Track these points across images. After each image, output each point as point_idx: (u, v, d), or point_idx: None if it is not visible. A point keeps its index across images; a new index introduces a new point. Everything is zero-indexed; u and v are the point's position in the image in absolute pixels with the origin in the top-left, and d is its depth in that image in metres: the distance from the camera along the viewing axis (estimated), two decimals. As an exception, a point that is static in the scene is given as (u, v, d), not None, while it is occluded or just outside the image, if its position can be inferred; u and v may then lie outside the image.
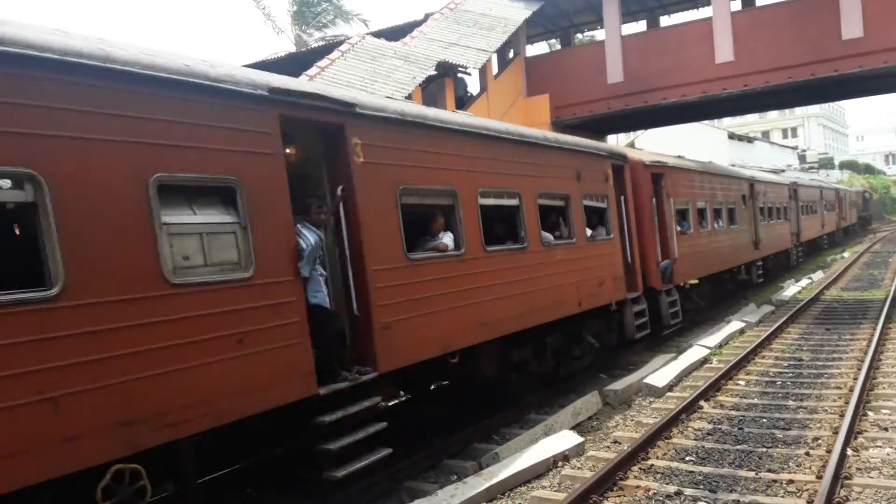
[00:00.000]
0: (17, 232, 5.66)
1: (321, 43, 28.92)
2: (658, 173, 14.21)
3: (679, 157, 16.71)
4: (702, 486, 6.71)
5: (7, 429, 4.08)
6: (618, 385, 10.77)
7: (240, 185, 5.56)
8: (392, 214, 7.17)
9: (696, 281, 16.21)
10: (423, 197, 7.79)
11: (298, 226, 6.28)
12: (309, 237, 6.29)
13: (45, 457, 4.24)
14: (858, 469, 6.89)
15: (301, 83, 6.95)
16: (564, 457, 7.81)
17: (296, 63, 18.44)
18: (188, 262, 5.21)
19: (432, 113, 8.38)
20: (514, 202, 9.29)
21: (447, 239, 8.06)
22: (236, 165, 5.56)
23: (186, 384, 5.05)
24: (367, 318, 6.77)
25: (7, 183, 4.38)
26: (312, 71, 14.95)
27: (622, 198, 12.55)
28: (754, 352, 12.44)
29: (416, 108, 8.31)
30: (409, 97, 14.72)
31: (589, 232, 11.34)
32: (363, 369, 6.69)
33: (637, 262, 12.92)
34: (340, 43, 18.27)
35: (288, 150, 6.32)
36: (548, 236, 10.13)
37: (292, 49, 30.72)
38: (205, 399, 5.18)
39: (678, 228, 14.83)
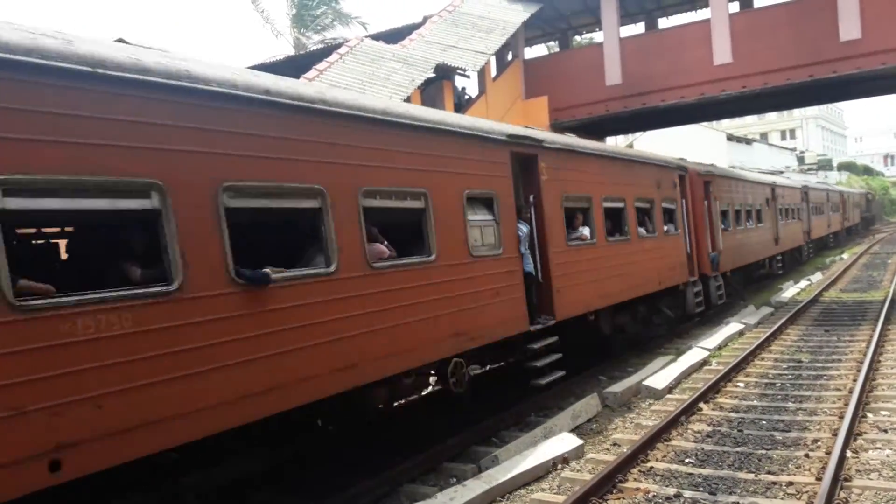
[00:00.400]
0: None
1: (320, 46, 28.93)
2: (708, 181, 17.08)
3: (711, 165, 19.34)
4: (701, 489, 6.71)
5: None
6: (617, 387, 10.77)
7: (496, 197, 9.01)
8: (559, 213, 10.52)
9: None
10: (574, 202, 11.04)
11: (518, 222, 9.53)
12: (523, 228, 9.60)
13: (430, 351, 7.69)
14: (858, 471, 6.88)
15: (520, 129, 10.23)
16: (564, 459, 7.80)
17: (294, 66, 18.45)
18: (476, 244, 8.57)
19: (580, 143, 11.84)
20: (621, 205, 12.62)
21: (586, 231, 11.38)
22: (493, 184, 9.02)
23: (479, 315, 8.46)
24: (548, 283, 10.09)
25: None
26: (311, 74, 14.96)
27: (683, 201, 15.48)
28: (753, 353, 12.44)
29: (573, 141, 11.76)
30: (407, 100, 14.73)
31: (665, 228, 14.38)
32: (547, 317, 9.97)
33: (694, 253, 15.79)
34: (339, 46, 18.29)
35: None
36: (642, 230, 13.32)
37: (291, 52, 30.74)
38: (487, 325, 8.65)
39: (722, 226, 17.63)
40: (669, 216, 14.78)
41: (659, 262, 13.83)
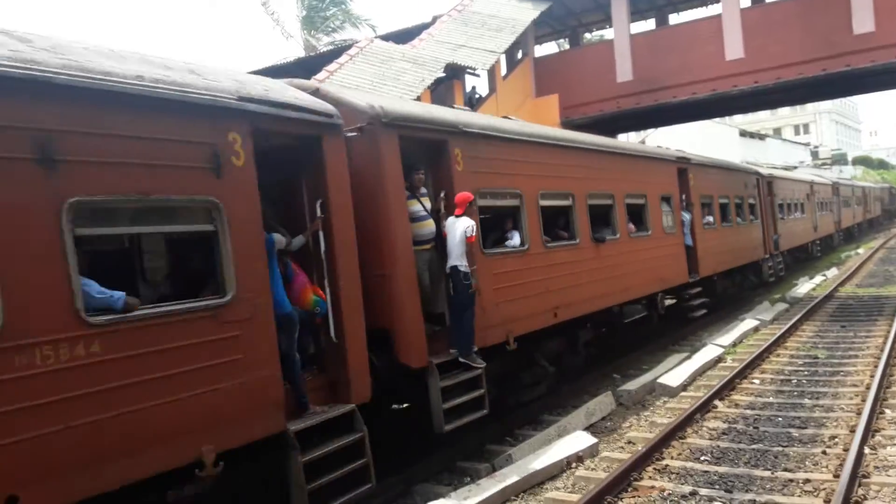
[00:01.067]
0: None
1: (330, 47, 29.01)
2: (770, 181, 22.19)
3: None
4: (717, 486, 6.67)
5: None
6: (631, 385, 10.72)
7: (673, 195, 14.01)
8: (698, 208, 15.32)
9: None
10: (706, 199, 13.78)
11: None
12: (686, 216, 13.78)
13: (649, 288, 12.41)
14: (876, 467, 6.82)
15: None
16: (578, 458, 7.77)
17: (305, 67, 18.51)
18: (666, 225, 12.39)
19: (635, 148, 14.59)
20: (734, 201, 16.55)
21: (710, 218, 15.87)
22: (670, 188, 13.83)
23: (667, 269, 13.06)
24: (696, 252, 14.68)
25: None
26: (321, 75, 14.99)
27: (759, 197, 20.17)
28: (769, 350, 12.35)
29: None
30: (417, 99, 14.73)
31: (750, 216, 19.20)
32: (695, 274, 14.53)
33: (764, 235, 20.24)
34: (349, 47, 18.33)
35: None
36: (739, 220, 18.44)
37: (301, 54, 30.84)
38: (670, 275, 13.21)
39: (779, 215, 22.78)
40: (751, 209, 19.52)
41: (749, 241, 18.80)
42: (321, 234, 6.20)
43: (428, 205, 7.62)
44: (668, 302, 14.02)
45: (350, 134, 6.65)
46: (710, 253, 15.33)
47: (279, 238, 5.84)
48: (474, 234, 7.48)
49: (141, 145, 4.60)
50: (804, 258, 28.67)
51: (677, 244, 14.01)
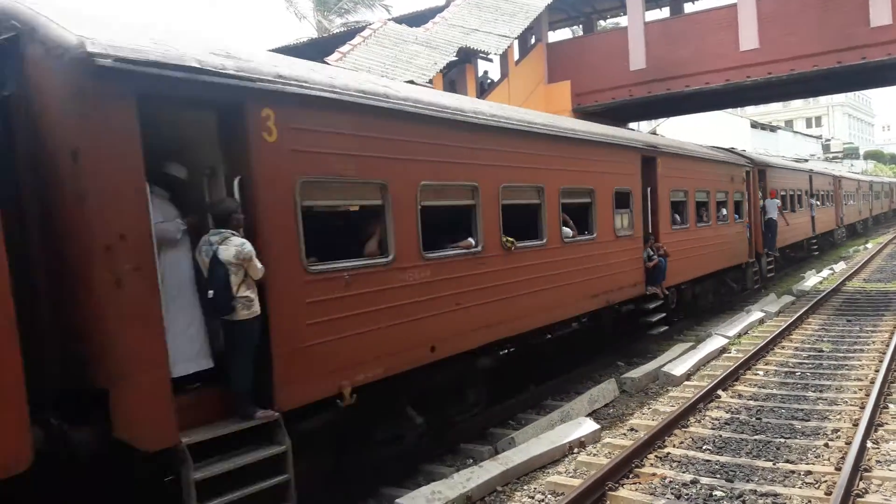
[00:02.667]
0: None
1: (343, 29, 28.91)
2: (811, 176, 27.42)
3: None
4: (719, 476, 6.71)
5: None
6: (635, 373, 10.76)
7: (744, 195, 17.91)
8: (756, 204, 18.91)
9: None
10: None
11: None
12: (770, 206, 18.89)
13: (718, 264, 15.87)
14: (878, 461, 6.84)
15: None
16: (580, 443, 7.83)
17: (317, 49, 18.48)
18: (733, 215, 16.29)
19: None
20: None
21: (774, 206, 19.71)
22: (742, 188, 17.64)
23: (735, 249, 17.08)
24: (757, 234, 18.59)
25: None
26: (334, 57, 14.98)
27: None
28: (774, 342, 12.36)
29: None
30: (429, 83, 14.69)
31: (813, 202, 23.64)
32: (769, 252, 19.73)
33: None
34: (362, 29, 18.29)
35: None
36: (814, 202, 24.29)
37: (314, 35, 30.75)
38: (738, 254, 17.28)
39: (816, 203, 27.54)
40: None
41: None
42: None
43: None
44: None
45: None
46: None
47: None
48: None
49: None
50: (832, 243, 31.36)
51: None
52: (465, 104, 8.19)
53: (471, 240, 7.76)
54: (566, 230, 9.72)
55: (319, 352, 5.75)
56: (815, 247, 28.17)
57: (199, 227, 5.43)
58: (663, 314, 12.79)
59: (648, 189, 12.41)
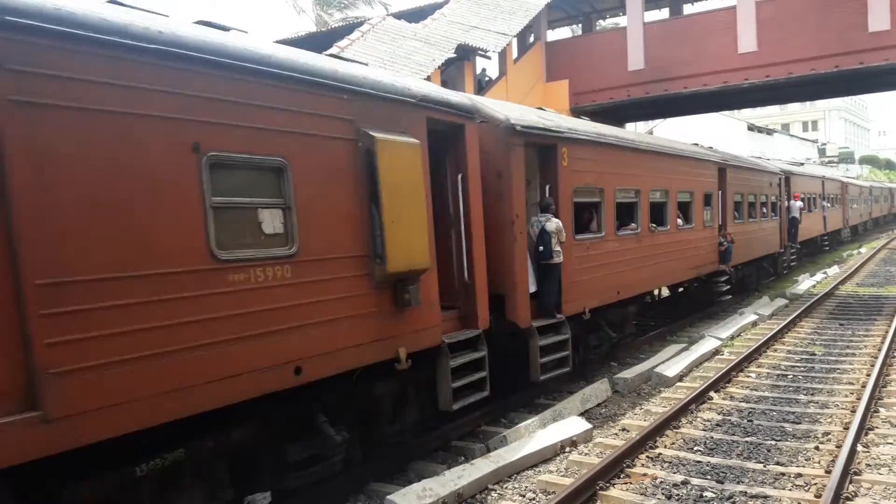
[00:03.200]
0: None
1: (342, 24, 28.82)
2: (822, 181, 30.71)
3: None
4: (709, 477, 6.72)
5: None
6: (628, 373, 10.77)
7: (779, 199, 22.04)
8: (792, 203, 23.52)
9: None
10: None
11: None
12: (796, 205, 23.31)
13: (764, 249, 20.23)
14: (868, 465, 6.87)
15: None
16: (572, 442, 7.83)
17: (316, 43, 18.38)
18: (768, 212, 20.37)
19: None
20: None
21: (797, 206, 23.58)
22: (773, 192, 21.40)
23: (770, 240, 20.77)
24: (789, 229, 22.75)
25: None
26: (332, 51, 14.92)
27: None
28: (766, 344, 12.39)
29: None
30: (427, 79, 14.67)
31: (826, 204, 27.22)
32: (793, 245, 23.66)
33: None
34: (361, 24, 18.22)
35: None
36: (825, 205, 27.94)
37: (313, 29, 30.66)
38: (773, 244, 21.04)
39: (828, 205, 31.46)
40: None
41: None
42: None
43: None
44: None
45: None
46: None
47: None
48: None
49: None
50: (839, 242, 35.88)
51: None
52: (636, 137, 13.47)
53: (633, 224, 11.98)
54: (679, 221, 13.81)
55: (577, 286, 9.94)
56: (826, 242, 32.82)
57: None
58: (728, 286, 16.78)
59: (720, 192, 16.28)
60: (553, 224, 9.09)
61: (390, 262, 6.22)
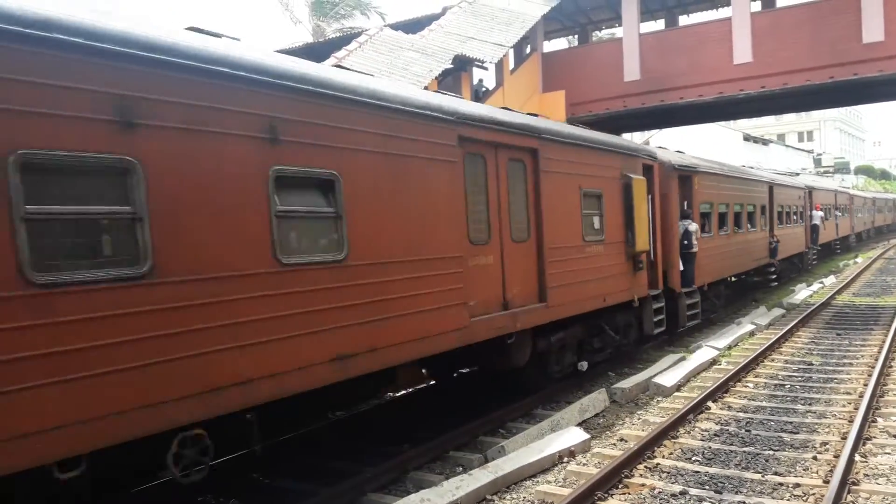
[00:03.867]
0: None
1: (339, 34, 28.93)
2: (836, 194, 36.67)
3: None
4: (707, 487, 6.71)
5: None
6: (625, 383, 10.77)
7: (806, 205, 28.32)
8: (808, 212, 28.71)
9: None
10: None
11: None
12: (817, 215, 29.04)
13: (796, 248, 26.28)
14: (866, 475, 6.87)
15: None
16: (570, 453, 7.82)
17: (313, 54, 18.43)
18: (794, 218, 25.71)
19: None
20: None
21: (818, 214, 29.32)
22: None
23: (798, 241, 26.30)
24: (812, 233, 28.66)
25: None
26: (329, 62, 14.96)
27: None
28: (764, 354, 12.40)
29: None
30: (424, 90, 14.71)
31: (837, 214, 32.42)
32: (814, 247, 29.64)
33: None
34: (358, 34, 18.28)
35: None
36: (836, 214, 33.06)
37: (310, 40, 30.75)
38: (799, 246, 26.57)
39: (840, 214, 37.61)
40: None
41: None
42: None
43: None
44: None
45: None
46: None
47: None
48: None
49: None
50: (844, 247, 40.54)
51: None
52: (731, 166, 19.99)
53: (726, 227, 17.20)
54: (748, 225, 19.17)
55: (704, 266, 15.02)
56: (838, 245, 38.15)
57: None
58: (775, 276, 22.57)
59: (770, 204, 21.53)
60: (693, 226, 14.29)
61: (635, 245, 11.53)
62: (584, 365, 11.11)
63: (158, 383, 4.67)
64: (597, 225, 10.60)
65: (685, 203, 14.49)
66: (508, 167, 8.64)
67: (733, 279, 20.36)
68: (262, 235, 5.41)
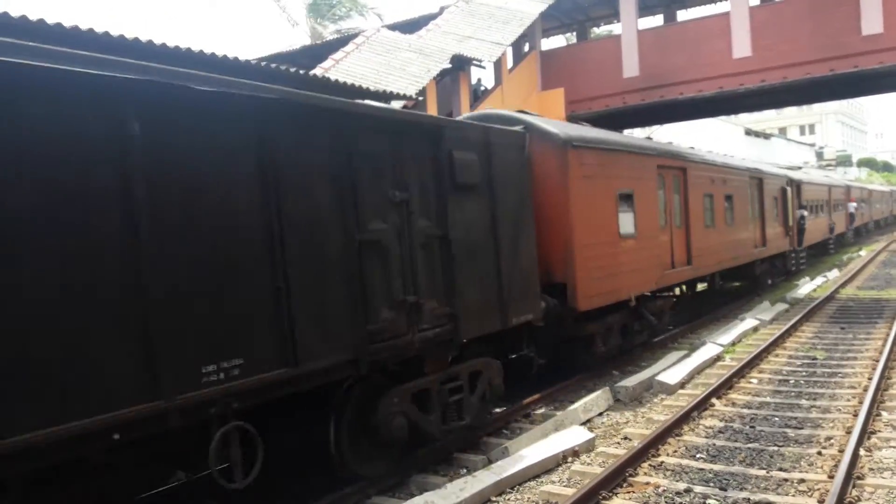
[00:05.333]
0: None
1: (336, 35, 28.93)
2: (849, 189, 39.99)
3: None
4: (712, 484, 6.69)
5: None
6: (629, 382, 10.73)
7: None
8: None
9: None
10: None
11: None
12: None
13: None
14: (871, 469, 6.84)
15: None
16: (574, 452, 7.80)
17: (310, 55, 18.48)
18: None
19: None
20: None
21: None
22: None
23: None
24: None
25: None
26: (327, 63, 14.97)
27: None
28: (768, 350, 12.36)
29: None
30: (423, 90, 14.70)
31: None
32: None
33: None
34: (355, 36, 18.29)
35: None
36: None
37: (307, 41, 30.77)
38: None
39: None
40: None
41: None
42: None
43: None
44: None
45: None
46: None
47: None
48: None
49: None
50: (863, 234, 44.86)
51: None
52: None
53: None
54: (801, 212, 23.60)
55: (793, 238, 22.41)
56: (873, 225, 47.58)
57: None
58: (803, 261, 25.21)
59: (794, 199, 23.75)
60: (803, 213, 20.35)
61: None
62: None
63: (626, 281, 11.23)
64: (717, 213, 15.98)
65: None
66: (672, 177, 13.72)
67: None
68: (612, 224, 11.19)
